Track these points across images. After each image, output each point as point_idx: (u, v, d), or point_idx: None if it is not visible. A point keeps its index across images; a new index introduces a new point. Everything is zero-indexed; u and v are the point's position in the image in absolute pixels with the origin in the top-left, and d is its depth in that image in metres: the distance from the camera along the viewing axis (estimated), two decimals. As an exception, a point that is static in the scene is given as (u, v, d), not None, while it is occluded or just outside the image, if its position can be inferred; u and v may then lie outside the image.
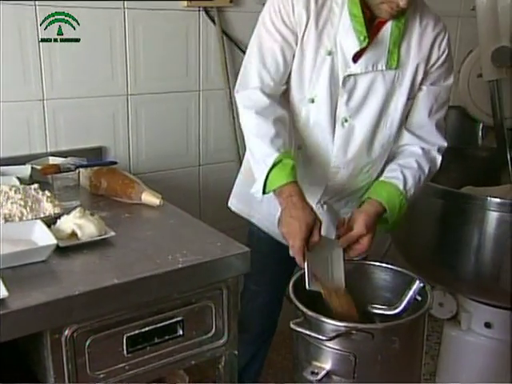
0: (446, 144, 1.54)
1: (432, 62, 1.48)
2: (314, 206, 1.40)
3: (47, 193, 1.43)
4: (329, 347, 1.18)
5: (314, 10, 1.38)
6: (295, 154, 1.42)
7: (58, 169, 1.54)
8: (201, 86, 2.11)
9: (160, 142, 2.08)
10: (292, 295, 1.24)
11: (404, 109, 1.48)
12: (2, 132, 1.78)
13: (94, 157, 1.92)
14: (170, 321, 1.24)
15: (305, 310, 1.19)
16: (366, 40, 1.37)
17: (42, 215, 1.37)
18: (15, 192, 1.38)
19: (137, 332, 1.20)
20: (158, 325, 1.22)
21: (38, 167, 1.71)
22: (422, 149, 1.51)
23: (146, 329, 1.21)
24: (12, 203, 1.35)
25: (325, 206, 1.56)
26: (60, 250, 1.24)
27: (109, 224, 1.36)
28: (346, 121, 1.45)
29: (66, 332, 1.11)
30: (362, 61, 1.41)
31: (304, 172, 1.45)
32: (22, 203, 1.36)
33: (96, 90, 1.90)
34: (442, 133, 1.54)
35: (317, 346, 1.20)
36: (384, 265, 1.40)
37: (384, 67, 1.42)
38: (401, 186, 1.43)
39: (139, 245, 1.31)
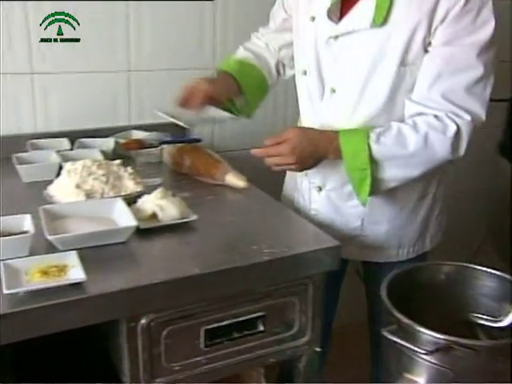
0: (465, 115, 1.18)
1: (439, 16, 1.16)
2: (309, 188, 1.44)
3: (129, 169, 1.37)
4: (425, 360, 1.06)
5: None
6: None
7: (141, 144, 1.48)
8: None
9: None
10: (385, 298, 1.13)
11: (395, 78, 1.22)
12: (88, 103, 1.74)
13: (178, 132, 1.85)
14: (251, 315, 1.15)
15: (400, 316, 1.08)
16: None
17: (123, 193, 1.31)
18: (98, 167, 1.32)
19: (215, 325, 1.12)
20: (239, 319, 1.14)
21: (122, 141, 1.66)
22: (429, 114, 1.20)
23: (226, 322, 1.13)
24: (94, 179, 1.30)
25: (322, 193, 1.41)
26: (139, 232, 1.18)
27: (191, 206, 1.29)
28: (334, 91, 1.32)
29: (143, 321, 1.05)
30: (344, 20, 1.25)
31: None
32: (104, 179, 1.31)
33: (181, 62, 1.83)
34: (457, 101, 1.18)
35: (410, 357, 1.09)
36: (489, 270, 1.25)
37: (368, 25, 1.20)
38: (374, 130, 1.19)
39: (222, 231, 1.23)
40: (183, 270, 1.06)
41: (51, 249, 1.09)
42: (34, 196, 1.33)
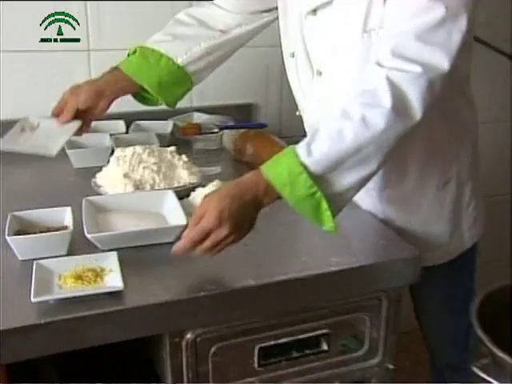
0: (413, 67, 0.91)
1: None
2: None
3: (184, 158, 1.24)
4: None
5: None
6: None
7: (198, 129, 1.34)
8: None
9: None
10: (476, 323, 0.94)
11: (361, 48, 1.04)
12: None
13: (243, 115, 1.70)
14: (314, 333, 1.00)
15: (495, 350, 0.88)
16: None
17: (175, 184, 1.18)
18: (149, 155, 1.19)
19: (272, 343, 0.97)
20: (299, 336, 0.99)
21: (180, 124, 1.54)
22: (362, 87, 0.95)
23: (284, 340, 0.98)
24: (144, 168, 1.17)
25: None
26: (191, 230, 1.04)
27: (250, 201, 1.14)
28: (320, 73, 1.14)
29: (189, 336, 0.91)
30: None
31: None
32: (155, 168, 1.18)
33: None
34: (406, 53, 0.93)
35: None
36: None
37: None
38: (300, 143, 0.92)
39: (283, 233, 1.07)
40: (236, 279, 0.92)
41: (92, 247, 0.98)
42: (83, 184, 1.23)
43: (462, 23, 0.93)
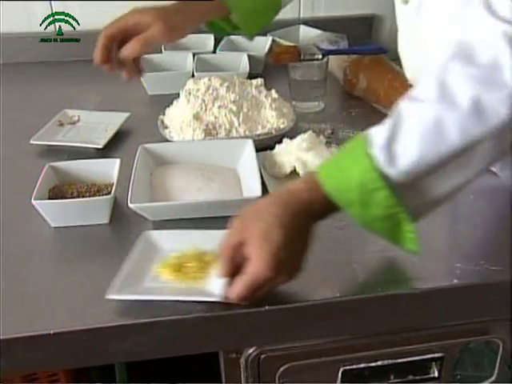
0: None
1: None
2: None
3: (273, 94, 0.97)
4: None
5: None
6: None
7: (298, 54, 1.04)
8: None
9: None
10: None
11: None
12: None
13: (361, 31, 1.37)
14: (421, 357, 0.74)
15: None
16: None
17: (259, 130, 0.92)
18: (227, 90, 0.93)
19: (362, 366, 0.73)
20: (398, 360, 0.73)
21: (281, 42, 1.24)
22: (461, 50, 0.59)
23: (378, 363, 0.73)
24: (220, 107, 0.92)
25: None
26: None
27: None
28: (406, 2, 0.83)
29: (250, 352, 0.69)
30: None
31: None
32: (234, 108, 0.92)
33: None
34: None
35: None
36: None
37: None
38: (377, 142, 0.58)
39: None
40: (316, 288, 0.66)
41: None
42: (153, 118, 1.00)
43: None
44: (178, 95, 0.99)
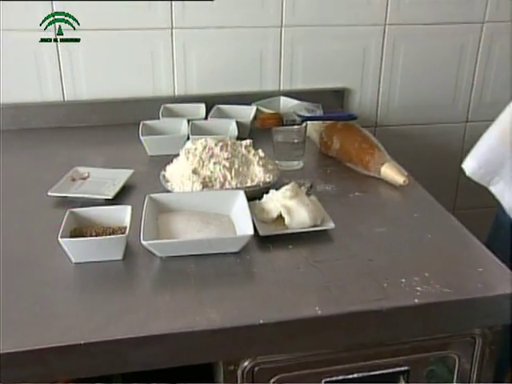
0: None
1: None
2: None
3: (260, 153, 1.12)
4: None
5: None
6: None
7: (280, 120, 1.21)
8: (486, 15, 1.57)
9: (418, 87, 1.63)
10: None
11: None
12: (231, 63, 1.51)
13: (334, 101, 1.56)
14: (389, 370, 0.86)
15: None
16: None
17: (248, 183, 1.07)
18: (221, 149, 1.09)
19: (340, 378, 0.85)
20: (371, 373, 0.86)
21: (264, 110, 1.42)
22: None
23: (354, 376, 0.85)
24: (215, 163, 1.07)
25: None
26: (259, 239, 0.94)
27: (331, 205, 1.03)
28: None
29: (245, 364, 0.81)
30: None
31: None
32: (227, 165, 1.07)
33: (349, 17, 1.51)
34: None
35: None
36: None
37: None
38: None
39: (364, 248, 0.94)
40: (300, 306, 0.80)
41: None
42: (153, 174, 1.14)
43: None
44: (176, 155, 1.14)
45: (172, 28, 1.45)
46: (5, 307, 0.79)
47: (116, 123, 1.48)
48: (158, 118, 1.39)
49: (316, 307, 0.79)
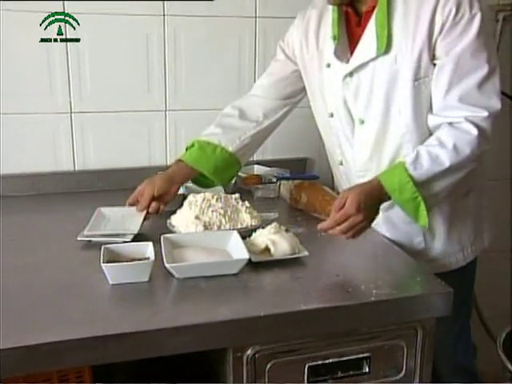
0: (482, 112, 1.25)
1: (436, 31, 1.26)
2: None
3: (247, 203, 1.43)
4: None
5: (312, 34, 1.47)
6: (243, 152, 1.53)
7: (259, 180, 1.53)
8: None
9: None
10: (501, 353, 1.07)
11: (413, 92, 1.31)
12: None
13: (298, 168, 1.90)
14: (356, 356, 1.15)
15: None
16: (336, 38, 1.39)
17: (239, 226, 1.37)
18: (217, 200, 1.39)
19: (319, 363, 1.13)
20: (343, 358, 1.14)
21: (243, 175, 1.74)
22: (448, 123, 1.28)
23: (330, 360, 1.13)
24: (212, 211, 1.37)
25: (380, 214, 1.32)
26: (252, 265, 1.22)
27: (304, 241, 1.32)
28: (363, 122, 1.40)
29: (249, 352, 1.08)
30: (352, 57, 1.38)
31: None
32: (222, 212, 1.37)
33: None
34: (473, 102, 1.26)
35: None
36: None
37: (374, 55, 1.32)
38: (407, 160, 1.25)
39: (331, 268, 1.24)
40: (289, 304, 1.09)
41: (169, 275, 1.17)
42: (159, 224, 1.43)
43: (498, 70, 1.28)
44: (174, 211, 1.44)
45: (166, 110, 1.79)
46: (64, 311, 1.05)
47: (118, 188, 1.76)
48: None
49: (301, 304, 1.08)
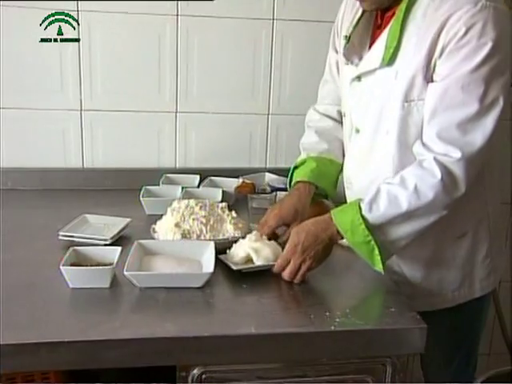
0: (455, 153, 1.11)
1: (438, 52, 1.13)
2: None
3: (233, 214, 1.37)
4: None
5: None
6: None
7: (253, 189, 1.47)
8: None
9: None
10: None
11: (402, 113, 1.19)
12: (225, 142, 1.80)
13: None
14: (314, 386, 1.06)
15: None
16: (347, 39, 1.30)
17: (220, 236, 1.31)
18: (200, 208, 1.34)
19: (273, 390, 1.05)
20: (298, 387, 1.06)
21: (249, 182, 1.68)
22: (418, 160, 1.17)
23: (285, 389, 1.06)
24: (194, 219, 1.32)
25: None
26: (234, 277, 1.19)
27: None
28: (358, 131, 1.31)
29: (195, 371, 1.02)
30: (362, 61, 1.28)
31: None
32: (204, 221, 1.32)
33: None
34: (449, 139, 1.12)
35: None
36: None
37: (378, 65, 1.21)
38: (364, 199, 1.15)
39: (306, 288, 1.17)
40: (240, 326, 1.02)
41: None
42: (147, 228, 1.39)
43: (493, 112, 1.10)
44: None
45: (176, 112, 1.76)
46: (13, 314, 1.03)
47: (126, 188, 1.74)
48: (159, 185, 1.66)
49: (251, 327, 1.01)
